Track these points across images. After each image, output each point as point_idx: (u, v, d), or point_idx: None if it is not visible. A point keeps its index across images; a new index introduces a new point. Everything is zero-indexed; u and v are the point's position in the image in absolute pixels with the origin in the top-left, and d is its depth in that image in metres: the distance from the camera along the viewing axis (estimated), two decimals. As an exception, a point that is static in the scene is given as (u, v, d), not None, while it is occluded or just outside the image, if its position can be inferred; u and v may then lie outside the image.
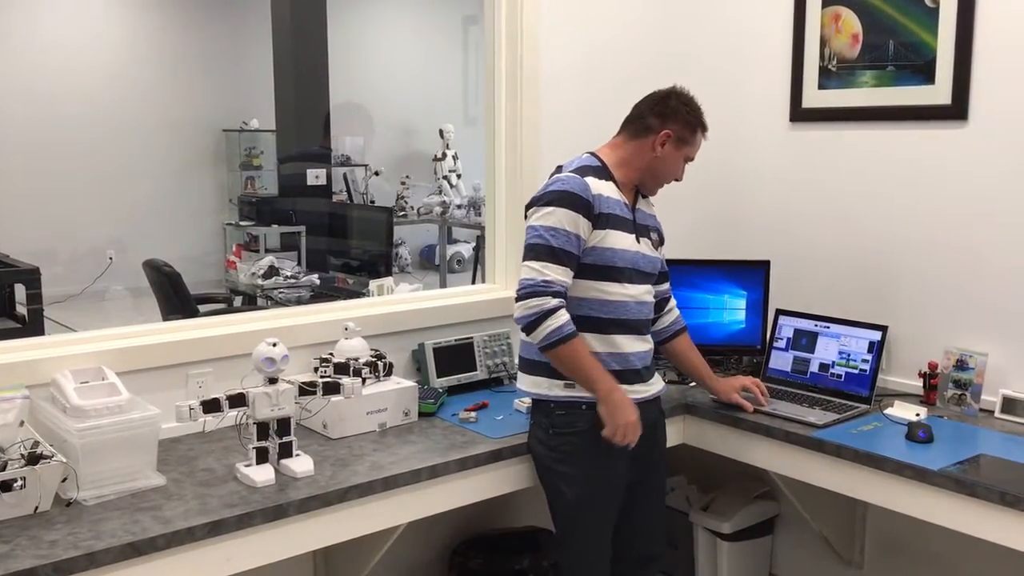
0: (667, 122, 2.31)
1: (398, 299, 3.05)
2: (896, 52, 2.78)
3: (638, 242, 2.32)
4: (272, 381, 2.12)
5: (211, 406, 2.04)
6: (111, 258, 8.78)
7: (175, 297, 4.91)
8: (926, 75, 2.71)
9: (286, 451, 2.13)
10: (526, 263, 2.21)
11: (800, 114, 3.04)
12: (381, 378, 2.47)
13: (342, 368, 2.41)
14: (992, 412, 2.57)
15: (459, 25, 10.76)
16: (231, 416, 2.10)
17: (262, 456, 2.10)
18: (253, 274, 5.43)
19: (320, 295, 5.24)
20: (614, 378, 2.23)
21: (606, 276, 2.26)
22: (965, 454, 2.27)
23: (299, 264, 6.80)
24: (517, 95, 2.97)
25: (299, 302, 4.99)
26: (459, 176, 8.96)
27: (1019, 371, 2.59)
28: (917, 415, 2.53)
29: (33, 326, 4.73)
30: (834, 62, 2.94)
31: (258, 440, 2.10)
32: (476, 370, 2.82)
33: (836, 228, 2.99)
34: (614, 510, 2.33)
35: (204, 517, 1.88)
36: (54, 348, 2.31)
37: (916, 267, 2.80)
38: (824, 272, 3.02)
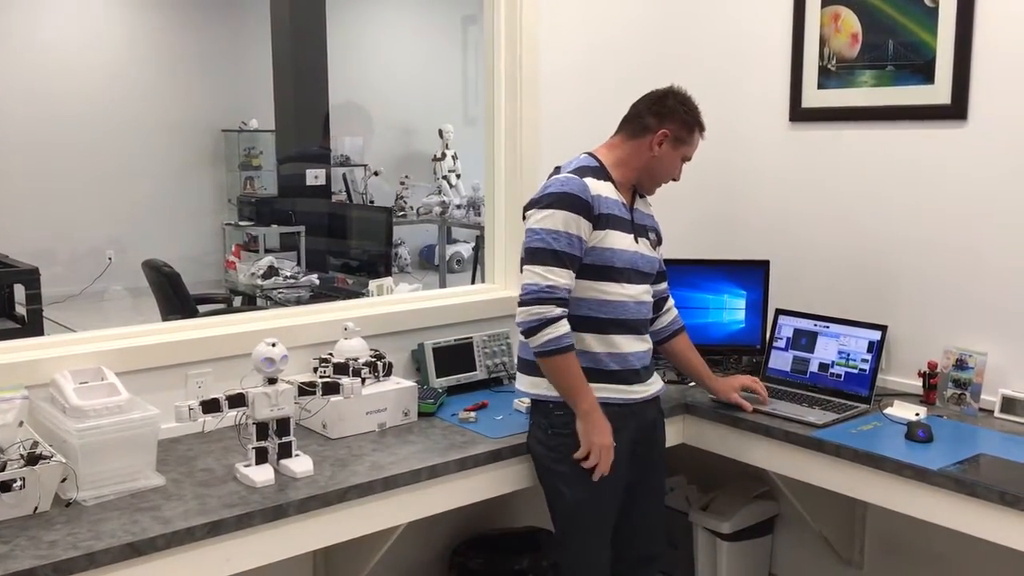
0: (664, 122, 2.31)
1: (397, 299, 3.05)
2: (896, 52, 2.78)
3: (636, 242, 2.32)
4: (271, 381, 2.12)
5: (210, 406, 2.04)
6: (110, 258, 8.78)
7: (174, 297, 4.91)
8: (925, 75, 2.71)
9: (285, 451, 2.13)
10: (529, 267, 2.20)
11: (799, 114, 3.04)
12: (381, 378, 2.47)
13: (341, 368, 2.41)
14: (992, 412, 2.57)
15: (459, 25, 10.75)
16: (230, 416, 2.10)
17: (261, 456, 2.10)
18: (252, 274, 5.43)
19: (319, 295, 5.23)
20: (610, 381, 2.25)
21: (605, 276, 2.26)
22: (965, 454, 2.27)
23: (298, 264, 6.79)
24: (517, 95, 2.97)
25: (298, 302, 4.99)
26: (458, 176, 8.97)
27: (1019, 371, 2.59)
28: (917, 415, 2.53)
29: (32, 326, 4.74)
30: (833, 62, 2.94)
31: (257, 440, 2.09)
32: (475, 370, 2.82)
33: (836, 228, 2.99)
34: (613, 510, 2.33)
35: (204, 517, 1.88)
36: (53, 348, 2.30)
37: (916, 267, 2.80)
38: (824, 272, 3.02)
